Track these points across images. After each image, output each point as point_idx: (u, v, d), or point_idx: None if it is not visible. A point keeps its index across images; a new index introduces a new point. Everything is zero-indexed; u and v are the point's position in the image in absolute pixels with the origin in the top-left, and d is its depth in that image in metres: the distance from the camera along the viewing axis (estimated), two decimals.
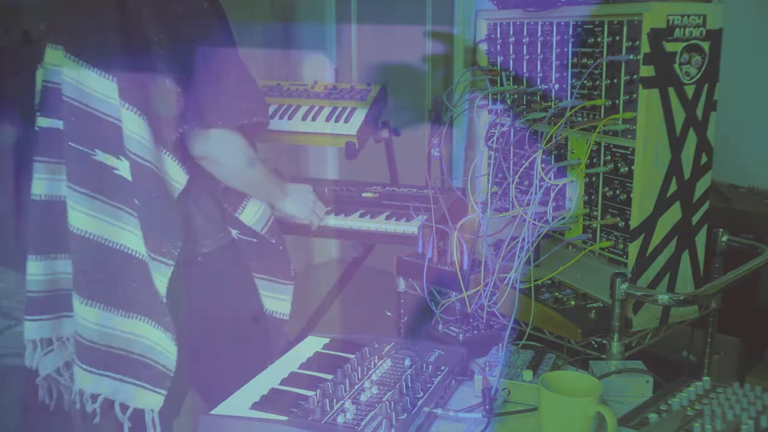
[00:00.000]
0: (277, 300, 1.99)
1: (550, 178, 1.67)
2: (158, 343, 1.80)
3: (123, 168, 1.76)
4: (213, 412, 1.26)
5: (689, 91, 1.50)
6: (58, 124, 1.82)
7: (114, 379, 1.83)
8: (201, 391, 2.04)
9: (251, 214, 1.93)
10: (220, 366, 1.92)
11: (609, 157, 1.57)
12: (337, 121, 2.38)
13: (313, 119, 2.41)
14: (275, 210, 2.02)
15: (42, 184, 1.86)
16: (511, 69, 1.83)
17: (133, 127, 1.71)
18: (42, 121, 1.85)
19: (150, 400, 1.82)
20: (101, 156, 1.77)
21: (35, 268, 1.89)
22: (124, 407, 1.84)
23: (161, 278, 1.74)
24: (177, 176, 1.76)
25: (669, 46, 1.45)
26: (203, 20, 1.81)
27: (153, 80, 1.73)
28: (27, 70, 1.98)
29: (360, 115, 2.38)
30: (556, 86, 1.70)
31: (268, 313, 1.99)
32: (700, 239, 1.60)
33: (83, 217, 1.78)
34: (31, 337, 1.93)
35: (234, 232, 1.91)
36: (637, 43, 1.45)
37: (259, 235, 1.94)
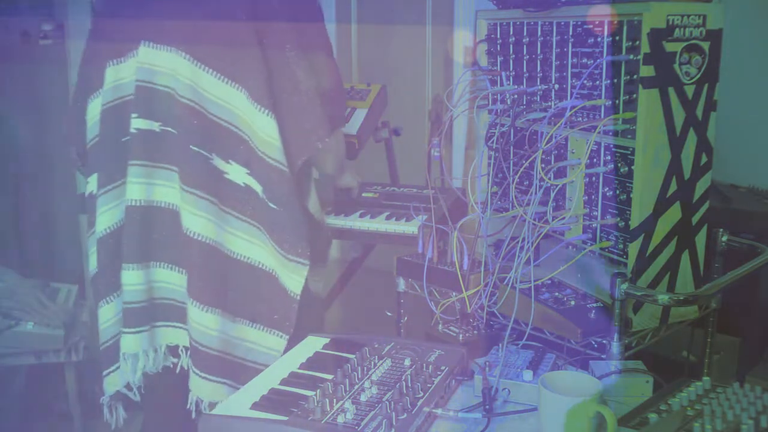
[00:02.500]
0: (314, 281, 1.97)
1: (550, 178, 1.67)
2: (261, 344, 1.81)
3: (234, 174, 1.76)
4: (213, 412, 1.27)
5: (689, 91, 1.50)
6: (155, 126, 1.78)
7: (228, 386, 1.81)
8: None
9: (314, 203, 1.95)
10: None
11: (609, 157, 1.57)
12: None
13: None
14: (339, 183, 2.23)
15: (141, 188, 1.80)
16: (511, 69, 1.83)
17: (271, 131, 1.72)
18: (140, 123, 1.78)
19: None
20: (217, 161, 1.77)
21: (134, 278, 1.81)
22: None
23: (298, 278, 1.75)
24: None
25: (669, 46, 1.45)
26: (321, 31, 1.89)
27: (291, 90, 1.76)
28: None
29: (360, 115, 2.38)
30: (556, 86, 1.70)
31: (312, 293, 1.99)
32: (700, 239, 1.60)
33: (203, 222, 1.75)
34: (132, 350, 1.84)
35: None
36: (637, 43, 1.45)
37: (312, 220, 1.93)
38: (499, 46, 1.86)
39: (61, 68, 2.90)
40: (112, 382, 1.88)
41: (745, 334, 2.34)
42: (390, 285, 1.90)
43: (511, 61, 1.82)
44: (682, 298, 1.50)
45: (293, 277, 1.76)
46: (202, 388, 1.80)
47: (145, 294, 1.84)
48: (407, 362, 1.43)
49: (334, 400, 1.26)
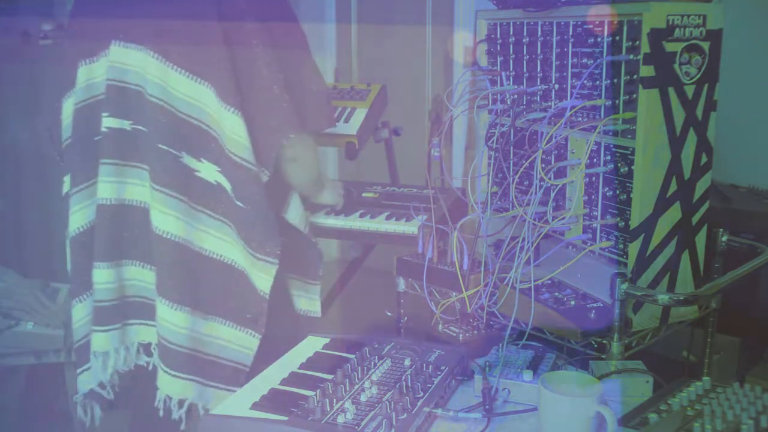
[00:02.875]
0: (310, 299, 2.00)
1: (550, 178, 1.67)
2: (235, 342, 1.81)
3: (205, 171, 1.76)
4: (213, 411, 1.27)
5: (689, 91, 1.50)
6: (125, 124, 1.78)
7: (198, 383, 1.81)
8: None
9: (295, 214, 1.94)
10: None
11: (609, 157, 1.57)
12: (337, 121, 2.38)
13: None
14: (317, 200, 2.13)
15: (112, 187, 1.80)
16: (511, 69, 1.83)
17: (238, 130, 1.71)
18: (111, 122, 1.78)
19: None
20: (187, 159, 1.76)
21: (105, 276, 1.82)
22: (205, 410, 1.83)
23: (266, 277, 1.75)
24: (262, 177, 1.78)
25: (669, 46, 1.45)
26: (293, 29, 1.85)
27: (258, 87, 1.74)
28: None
29: (360, 115, 2.38)
30: (556, 86, 1.70)
31: (301, 313, 1.99)
32: (700, 239, 1.60)
33: (172, 221, 1.76)
34: (103, 349, 1.86)
35: None
36: (637, 43, 1.45)
37: (299, 234, 1.95)
38: (499, 46, 1.86)
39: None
40: (85, 381, 1.90)
41: (745, 334, 2.34)
42: (390, 285, 1.90)
43: (511, 61, 1.82)
44: (682, 298, 1.50)
45: (262, 276, 1.76)
46: (170, 385, 1.80)
47: (117, 292, 1.86)
48: (407, 362, 1.43)
49: (334, 400, 1.26)
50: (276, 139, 1.75)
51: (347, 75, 4.48)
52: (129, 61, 1.76)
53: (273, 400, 1.29)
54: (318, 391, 1.29)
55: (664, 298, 1.47)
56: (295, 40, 1.85)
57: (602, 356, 1.50)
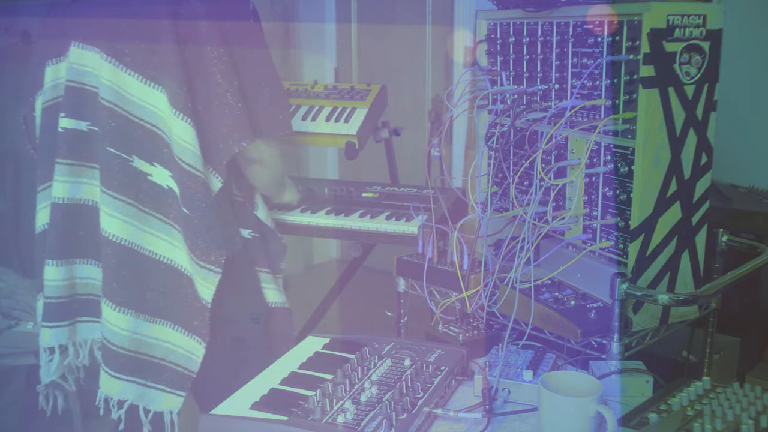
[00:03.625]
0: (279, 291, 2.01)
1: (550, 178, 1.67)
2: (182, 347, 1.81)
3: (158, 176, 1.76)
4: (213, 412, 1.27)
5: (689, 91, 1.50)
6: (82, 125, 1.79)
7: (140, 385, 1.82)
8: (196, 393, 2.03)
9: (262, 210, 1.96)
10: (225, 368, 1.91)
11: (609, 157, 1.57)
12: (337, 121, 2.38)
13: (313, 119, 2.41)
14: (278, 200, 2.15)
15: (65, 186, 1.82)
16: (511, 69, 1.83)
17: (186, 137, 1.70)
18: (67, 123, 1.80)
19: (171, 402, 1.82)
20: (138, 162, 1.76)
21: (55, 274, 1.84)
22: (146, 411, 1.84)
23: (209, 285, 1.74)
24: (214, 185, 1.77)
25: (669, 46, 1.45)
26: (252, 35, 1.84)
27: (212, 93, 1.73)
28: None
29: (360, 115, 2.38)
30: (556, 86, 1.70)
31: (273, 305, 1.99)
32: (700, 239, 1.60)
33: (118, 224, 1.76)
34: (48, 344, 1.88)
35: (246, 232, 1.91)
36: (637, 43, 1.45)
37: (267, 229, 1.96)
38: (499, 46, 1.86)
39: None
40: (44, 373, 1.92)
41: (745, 334, 2.35)
42: (390, 285, 1.90)
43: (511, 61, 1.82)
44: (682, 298, 1.50)
45: (204, 284, 1.75)
46: (109, 385, 1.81)
47: (67, 290, 1.87)
48: (407, 362, 1.43)
49: (334, 400, 1.26)
50: (227, 145, 1.74)
51: (347, 75, 4.48)
52: (86, 63, 1.77)
53: (273, 400, 1.29)
54: (318, 391, 1.29)
55: (664, 298, 1.47)
56: (255, 44, 1.83)
57: (602, 356, 1.50)
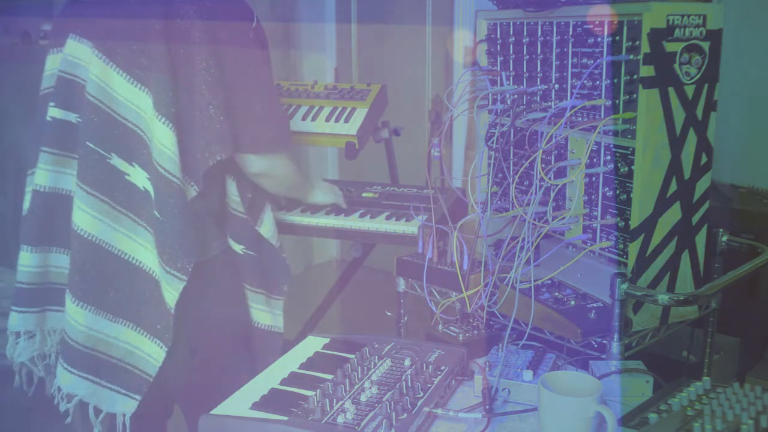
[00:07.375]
0: (273, 315, 1.98)
1: (550, 178, 1.67)
2: (142, 349, 1.79)
3: (135, 176, 1.75)
4: (213, 412, 1.26)
5: (689, 91, 1.50)
6: (71, 117, 1.80)
7: (92, 382, 1.81)
8: (181, 404, 2.02)
9: (269, 227, 1.94)
10: (203, 382, 1.86)
11: (609, 157, 1.57)
12: (337, 121, 2.37)
13: (313, 119, 2.41)
14: (310, 201, 2.17)
15: (47, 175, 1.83)
16: (511, 69, 1.83)
17: (166, 142, 1.69)
18: (55, 112, 1.81)
19: (125, 405, 1.80)
20: (116, 161, 1.76)
21: (28, 260, 1.86)
22: (97, 410, 1.82)
23: (173, 291, 1.72)
24: (189, 193, 1.76)
25: (669, 46, 1.45)
26: (249, 50, 1.82)
27: (195, 104, 1.72)
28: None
29: (360, 115, 2.38)
30: (556, 86, 1.70)
31: (263, 328, 1.97)
32: (700, 239, 1.60)
33: (89, 219, 1.76)
34: (15, 329, 1.90)
35: (239, 248, 1.88)
36: (637, 43, 1.45)
37: (268, 248, 1.94)
38: (499, 46, 1.86)
39: None
40: (11, 354, 1.93)
41: (745, 334, 2.35)
42: (390, 285, 1.90)
43: (511, 61, 1.82)
44: (682, 298, 1.50)
45: (168, 290, 1.72)
46: (63, 377, 1.81)
47: (40, 277, 1.87)
48: (407, 362, 1.43)
49: (334, 400, 1.26)
50: (204, 157, 1.73)
51: (347, 75, 4.48)
52: (79, 56, 1.78)
53: (273, 400, 1.29)
54: (318, 391, 1.29)
55: (664, 298, 1.47)
56: (252, 66, 1.82)
57: (602, 356, 1.50)
